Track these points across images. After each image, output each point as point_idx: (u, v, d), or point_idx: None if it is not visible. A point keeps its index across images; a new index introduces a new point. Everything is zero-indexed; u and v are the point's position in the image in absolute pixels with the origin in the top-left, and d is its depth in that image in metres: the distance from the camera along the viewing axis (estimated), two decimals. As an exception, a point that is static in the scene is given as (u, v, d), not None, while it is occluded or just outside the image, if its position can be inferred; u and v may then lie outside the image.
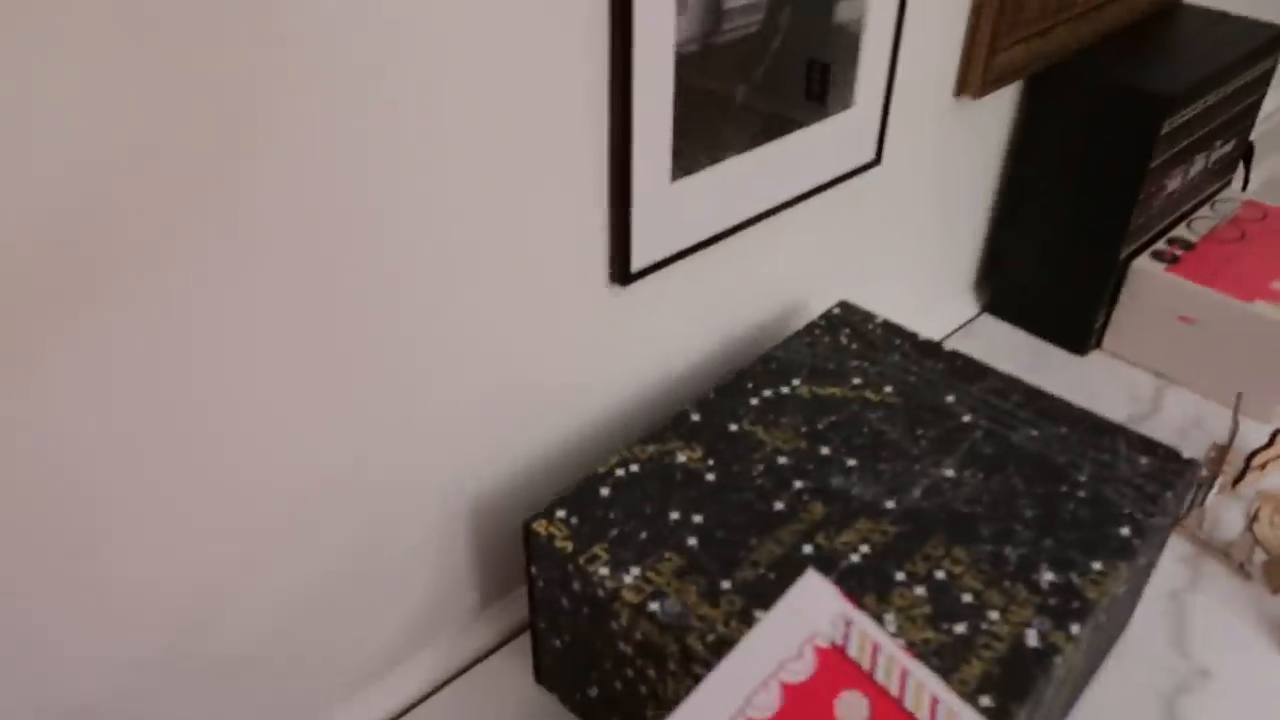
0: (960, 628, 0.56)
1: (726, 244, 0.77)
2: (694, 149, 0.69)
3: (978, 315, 1.13)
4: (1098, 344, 1.07)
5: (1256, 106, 1.10)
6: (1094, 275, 1.02)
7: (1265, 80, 1.08)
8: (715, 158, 0.71)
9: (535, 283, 0.64)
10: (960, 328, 1.11)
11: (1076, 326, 1.05)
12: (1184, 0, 1.13)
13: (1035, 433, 0.71)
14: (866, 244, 0.94)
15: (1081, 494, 0.66)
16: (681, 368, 0.80)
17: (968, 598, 0.58)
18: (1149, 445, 0.70)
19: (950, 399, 0.74)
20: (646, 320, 0.74)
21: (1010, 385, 0.76)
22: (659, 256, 0.71)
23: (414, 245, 0.56)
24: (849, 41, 0.77)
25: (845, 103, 0.80)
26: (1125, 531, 0.63)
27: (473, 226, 0.58)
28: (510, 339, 0.65)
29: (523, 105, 0.57)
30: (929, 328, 1.07)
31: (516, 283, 0.63)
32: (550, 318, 0.67)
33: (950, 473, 0.68)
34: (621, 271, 0.69)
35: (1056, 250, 1.04)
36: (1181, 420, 0.98)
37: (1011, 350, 1.07)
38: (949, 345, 1.07)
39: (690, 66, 0.65)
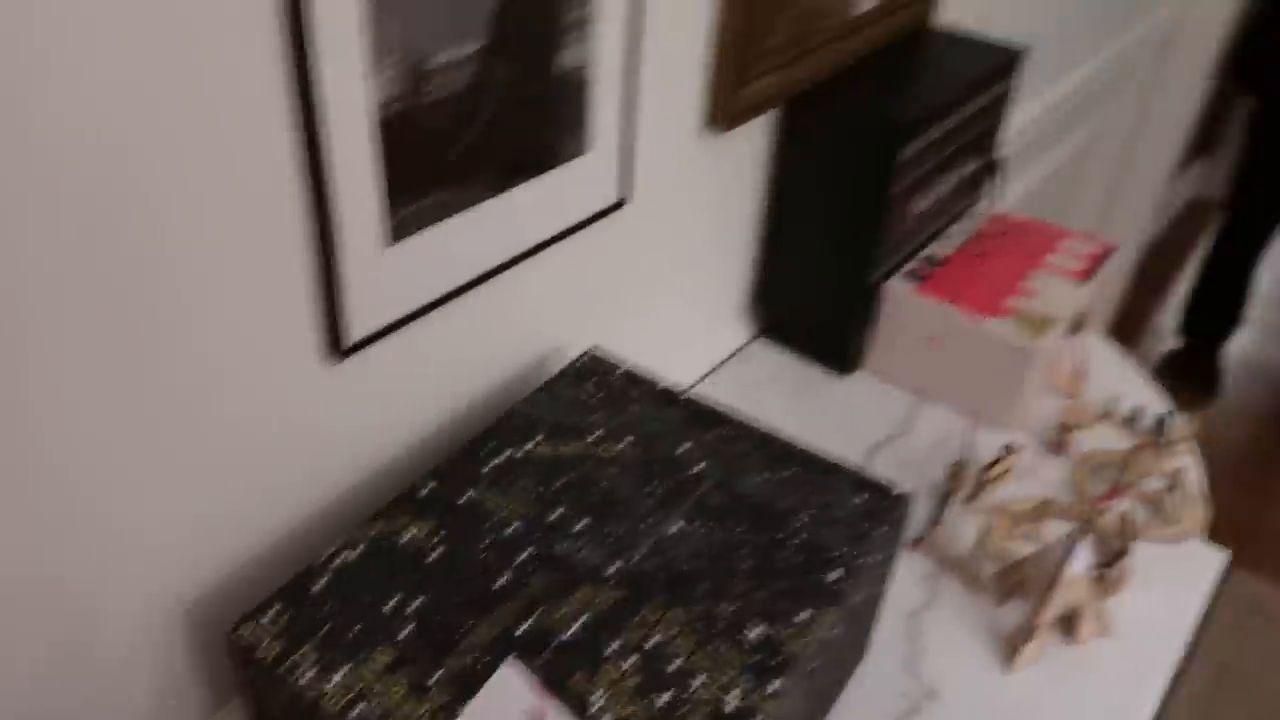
0: (664, 697, 0.57)
1: (462, 301, 0.76)
2: (412, 210, 0.67)
3: (750, 341, 1.15)
4: (860, 365, 1.11)
5: (997, 126, 1.16)
6: (851, 298, 1.05)
7: (1004, 101, 1.14)
8: (438, 216, 0.70)
9: (240, 362, 0.61)
10: (733, 355, 1.13)
11: (839, 348, 1.09)
12: (932, 25, 1.18)
13: (762, 478, 0.73)
14: (625, 283, 0.94)
15: (798, 540, 0.68)
16: (420, 435, 0.78)
17: (677, 663, 0.59)
18: (863, 483, 0.73)
19: (685, 449, 0.75)
20: (373, 393, 0.72)
21: (744, 430, 0.77)
22: (381, 324, 0.69)
23: (89, 318, 0.52)
24: (577, 88, 0.76)
25: (582, 147, 0.79)
26: (836, 575, 0.66)
27: (165, 310, 0.55)
28: (217, 425, 0.62)
29: (207, 185, 0.54)
30: (699, 359, 1.09)
31: (220, 365, 0.60)
32: (259, 401, 0.64)
33: (676, 528, 0.68)
34: (335, 346, 0.66)
35: (817, 274, 1.07)
36: (932, 438, 1.03)
37: (780, 375, 1.10)
38: (720, 373, 1.10)
39: (398, 127, 0.63)
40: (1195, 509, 0.96)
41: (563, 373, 0.81)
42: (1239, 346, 2.86)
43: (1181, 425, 1.03)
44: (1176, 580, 0.90)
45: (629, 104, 0.81)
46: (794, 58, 0.96)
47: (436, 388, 0.78)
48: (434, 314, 0.74)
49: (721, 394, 1.06)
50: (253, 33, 0.53)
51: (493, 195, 0.73)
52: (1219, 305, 2.68)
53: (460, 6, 0.63)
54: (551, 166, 0.77)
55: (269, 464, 0.67)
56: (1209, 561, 0.92)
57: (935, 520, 0.91)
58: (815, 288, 1.08)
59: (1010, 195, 1.76)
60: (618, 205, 0.85)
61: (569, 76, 0.75)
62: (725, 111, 0.91)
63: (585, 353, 0.83)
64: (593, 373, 0.82)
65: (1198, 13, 2.13)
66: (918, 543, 0.90)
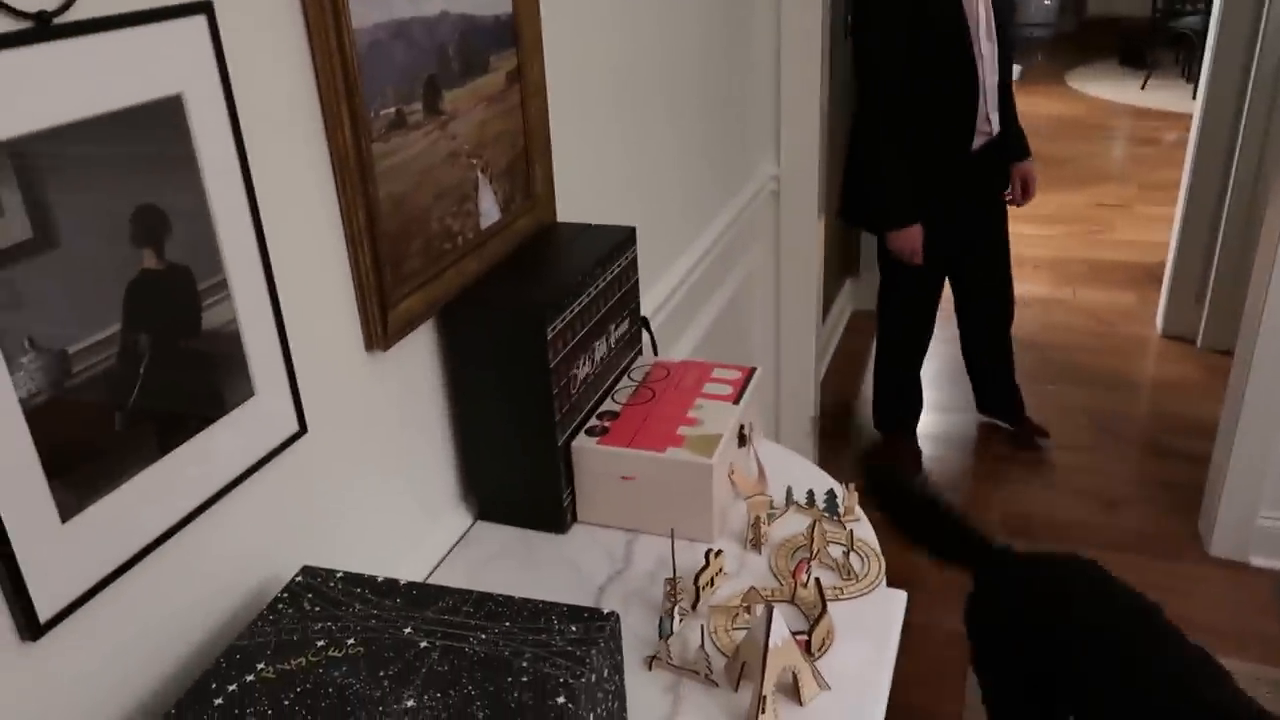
0: None
1: (160, 555, 0.78)
2: (84, 483, 0.71)
3: (473, 525, 1.22)
4: (575, 518, 1.21)
5: (634, 290, 1.34)
6: (546, 464, 1.16)
7: (632, 269, 1.33)
8: (114, 484, 0.74)
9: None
10: (459, 542, 1.20)
11: (549, 510, 1.18)
12: (559, 220, 1.37)
13: (484, 635, 0.79)
14: (328, 502, 1.00)
15: (525, 679, 0.75)
16: (142, 694, 0.78)
17: (428, 822, 0.63)
18: (575, 614, 0.81)
19: (408, 631, 0.80)
20: (84, 662, 0.73)
21: (462, 598, 0.84)
22: (75, 595, 0.71)
23: None
24: (230, 341, 0.84)
25: (249, 391, 0.86)
26: (561, 699, 0.73)
27: None
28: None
29: None
30: (426, 554, 1.14)
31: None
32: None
33: (411, 703, 0.73)
34: (30, 625, 0.68)
35: (514, 450, 1.17)
36: (653, 564, 1.13)
37: (505, 549, 1.18)
38: (449, 561, 1.16)
39: (50, 413, 0.67)
40: (873, 563, 1.11)
41: (278, 597, 0.85)
42: (931, 423, 3.26)
43: (848, 496, 1.20)
44: (873, 624, 1.03)
45: (284, 347, 0.89)
46: (434, 275, 1.09)
47: (152, 642, 0.79)
48: (132, 573, 0.76)
49: (453, 580, 1.12)
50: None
51: (168, 452, 0.78)
52: (895, 402, 3.06)
53: (87, 296, 0.70)
54: (222, 413, 0.84)
55: (-23, 770, 0.65)
56: (895, 601, 1.07)
57: (665, 635, 1.00)
58: (514, 463, 1.18)
59: (686, 342, 1.98)
60: (298, 435, 0.92)
61: (219, 333, 0.82)
62: (381, 334, 1.02)
63: (298, 573, 0.87)
64: (308, 589, 0.86)
65: (796, 167, 2.55)
66: (653, 660, 0.98)
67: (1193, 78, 6.29)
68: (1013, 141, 2.75)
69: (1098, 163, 5.92)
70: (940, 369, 3.59)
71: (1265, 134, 3.14)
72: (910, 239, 2.59)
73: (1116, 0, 8.43)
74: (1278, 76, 3.05)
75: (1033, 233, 4.63)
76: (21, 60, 0.65)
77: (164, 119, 0.76)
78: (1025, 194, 2.82)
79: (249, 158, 0.84)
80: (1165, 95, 6.97)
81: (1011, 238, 2.93)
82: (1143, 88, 7.23)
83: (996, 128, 2.62)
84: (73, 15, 0.68)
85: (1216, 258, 3.49)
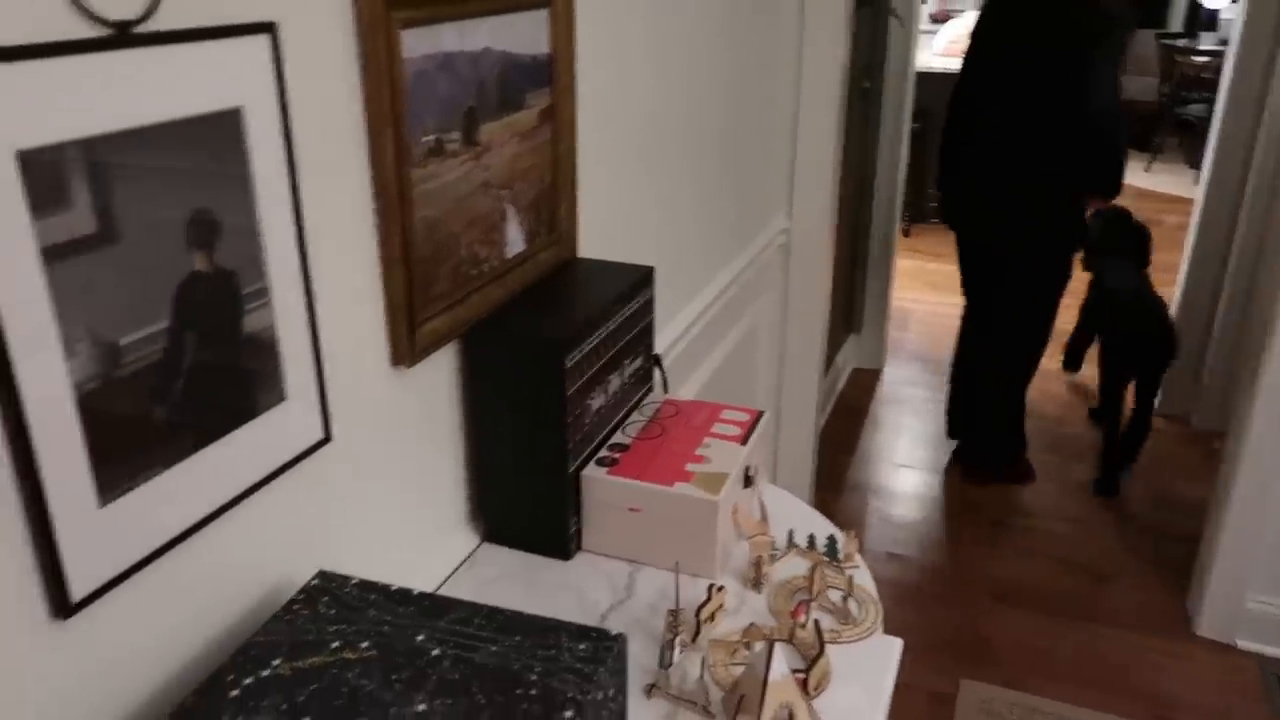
0: None
1: (185, 548, 0.81)
2: (123, 471, 0.73)
3: (479, 546, 1.24)
4: (579, 546, 1.23)
5: (650, 328, 1.38)
6: (556, 489, 1.18)
7: (649, 307, 1.36)
8: (150, 475, 0.76)
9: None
10: (464, 561, 1.21)
11: (556, 536, 1.20)
12: (579, 256, 1.41)
13: (495, 647, 0.81)
14: (344, 511, 1.02)
15: (534, 691, 0.76)
16: (157, 683, 0.80)
17: (436, 821, 0.65)
18: (584, 633, 0.83)
19: (421, 638, 0.82)
20: (105, 646, 0.74)
21: (474, 610, 0.86)
22: (104, 579, 0.73)
23: None
24: (267, 347, 0.87)
25: (280, 396, 0.89)
26: (569, 714, 0.74)
27: None
28: (-68, 710, 0.62)
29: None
30: (431, 572, 1.16)
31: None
32: (-19, 674, 0.65)
33: (423, 707, 0.75)
34: (60, 604, 0.69)
35: (524, 475, 1.20)
36: (653, 596, 1.15)
37: (509, 571, 1.20)
38: (455, 579, 1.18)
39: (98, 401, 0.70)
40: (870, 610, 1.13)
41: (294, 598, 0.86)
42: (919, 484, 3.27)
43: (847, 542, 1.22)
44: (868, 669, 1.05)
45: (316, 356, 0.92)
46: (461, 298, 1.12)
47: (171, 632, 0.81)
48: (158, 563, 0.78)
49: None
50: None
51: (201, 448, 0.81)
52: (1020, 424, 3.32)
53: (141, 293, 0.73)
54: (254, 416, 0.86)
55: (-2, 743, 0.67)
56: (891, 649, 1.09)
57: (665, 665, 1.01)
58: (523, 488, 1.20)
59: (694, 383, 2.01)
60: (322, 443, 0.94)
61: (257, 338, 0.85)
62: (406, 352, 1.05)
63: (314, 576, 0.89)
64: (324, 591, 0.87)
65: (807, 223, 2.60)
66: (652, 689, 1.00)
67: (1195, 164, 6.41)
68: None
69: (1101, 241, 6.00)
70: (923, 430, 3.62)
71: (1265, 221, 3.21)
72: None
73: (1127, 85, 8.60)
74: (1279, 166, 3.12)
75: (1034, 304, 4.68)
76: (102, 65, 0.69)
77: (224, 130, 0.80)
78: None
79: (298, 172, 0.87)
80: (1169, 179, 7.09)
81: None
82: (1147, 170, 7.35)
83: None
84: (150, 26, 0.72)
85: (1214, 340, 3.54)
